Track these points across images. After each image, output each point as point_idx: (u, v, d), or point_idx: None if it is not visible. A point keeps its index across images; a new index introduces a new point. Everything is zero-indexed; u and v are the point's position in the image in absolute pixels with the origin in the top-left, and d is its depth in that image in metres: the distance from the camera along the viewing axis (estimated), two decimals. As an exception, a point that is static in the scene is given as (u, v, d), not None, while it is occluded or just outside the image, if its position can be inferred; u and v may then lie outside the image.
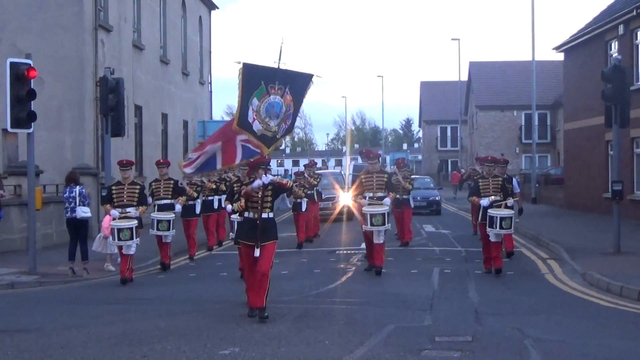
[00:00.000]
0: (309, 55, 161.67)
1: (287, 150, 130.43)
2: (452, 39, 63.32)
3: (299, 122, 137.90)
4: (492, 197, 16.10)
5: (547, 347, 9.52)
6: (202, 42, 41.49)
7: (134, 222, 15.71)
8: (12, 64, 16.35)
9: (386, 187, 16.36)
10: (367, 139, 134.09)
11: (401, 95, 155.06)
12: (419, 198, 34.20)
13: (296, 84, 12.61)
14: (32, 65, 16.52)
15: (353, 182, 17.33)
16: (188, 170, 13.67)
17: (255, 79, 12.21)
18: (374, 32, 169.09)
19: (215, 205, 21.22)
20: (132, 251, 15.81)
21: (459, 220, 31.63)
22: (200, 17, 40.87)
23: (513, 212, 16.31)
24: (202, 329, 10.88)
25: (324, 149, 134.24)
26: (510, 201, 16.18)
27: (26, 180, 20.63)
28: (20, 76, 16.27)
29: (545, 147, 59.68)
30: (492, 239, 16.07)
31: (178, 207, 18.13)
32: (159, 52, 33.21)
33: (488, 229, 16.02)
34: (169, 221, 17.46)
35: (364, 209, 16.10)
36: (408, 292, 14.31)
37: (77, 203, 16.86)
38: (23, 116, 16.32)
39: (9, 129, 16.84)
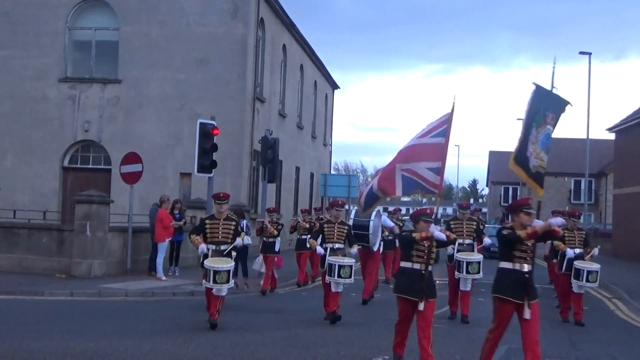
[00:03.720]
0: (407, 127, 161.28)
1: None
2: (518, 119, 62.44)
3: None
4: (578, 249, 13.22)
5: (643, 373, 8.95)
6: (326, 113, 41.70)
7: (231, 264, 11.27)
8: (201, 124, 16.60)
9: (475, 232, 13.27)
10: (443, 194, 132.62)
11: (468, 160, 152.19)
12: (495, 244, 33.06)
13: (558, 111, 8.91)
14: (215, 125, 16.74)
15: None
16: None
17: (539, 104, 8.53)
18: (459, 112, 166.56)
19: (308, 244, 17.23)
20: (223, 293, 11.46)
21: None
22: (326, 94, 41.13)
23: (599, 266, 13.16)
24: (352, 338, 10.60)
25: (408, 200, 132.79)
26: (596, 250, 13.33)
27: (199, 212, 20.91)
28: (206, 133, 16.50)
29: (590, 207, 57.98)
30: (575, 290, 13.18)
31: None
32: (296, 120, 33.45)
33: (573, 280, 13.02)
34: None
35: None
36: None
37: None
38: (207, 164, 16.52)
39: (196, 173, 17.06)
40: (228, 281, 11.13)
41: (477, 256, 12.82)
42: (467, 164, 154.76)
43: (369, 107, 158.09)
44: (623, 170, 34.72)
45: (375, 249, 14.67)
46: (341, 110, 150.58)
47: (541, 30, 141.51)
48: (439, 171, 8.96)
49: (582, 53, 38.56)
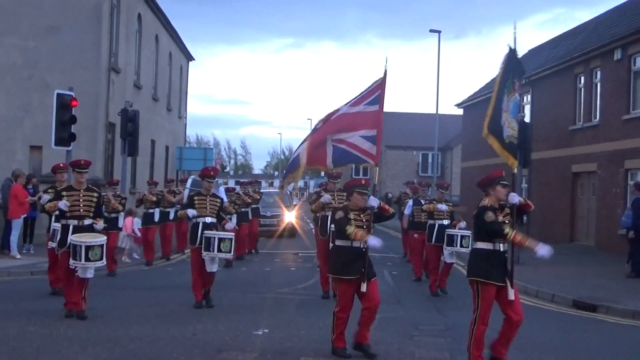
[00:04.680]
0: (259, 101, 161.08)
1: (231, 172, 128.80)
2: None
3: (241, 150, 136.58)
4: (446, 221, 13.61)
5: (508, 336, 9.46)
6: (181, 85, 40.84)
7: (104, 238, 9.92)
8: (58, 95, 15.80)
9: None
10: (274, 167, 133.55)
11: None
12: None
13: (520, 80, 8.06)
14: (74, 96, 15.99)
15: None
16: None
17: (509, 70, 7.76)
18: (309, 85, 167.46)
19: (156, 218, 17.32)
20: (90, 274, 9.81)
21: (382, 233, 31.52)
22: (181, 65, 40.26)
23: (470, 232, 12.49)
24: (228, 313, 10.55)
25: (260, 173, 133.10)
26: (463, 224, 13.61)
27: (53, 188, 19.95)
28: (64, 105, 15.73)
29: (437, 180, 60.58)
30: (447, 260, 13.50)
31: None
32: (152, 91, 32.53)
33: (446, 248, 13.32)
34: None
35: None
36: (374, 288, 14.11)
37: None
38: (65, 137, 15.76)
39: (53, 147, 16.22)
40: (102, 257, 9.67)
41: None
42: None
43: (220, 80, 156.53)
44: (470, 145, 36.46)
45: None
46: (193, 82, 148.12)
47: (388, 8, 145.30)
48: (375, 139, 8.35)
49: (432, 31, 39.95)
